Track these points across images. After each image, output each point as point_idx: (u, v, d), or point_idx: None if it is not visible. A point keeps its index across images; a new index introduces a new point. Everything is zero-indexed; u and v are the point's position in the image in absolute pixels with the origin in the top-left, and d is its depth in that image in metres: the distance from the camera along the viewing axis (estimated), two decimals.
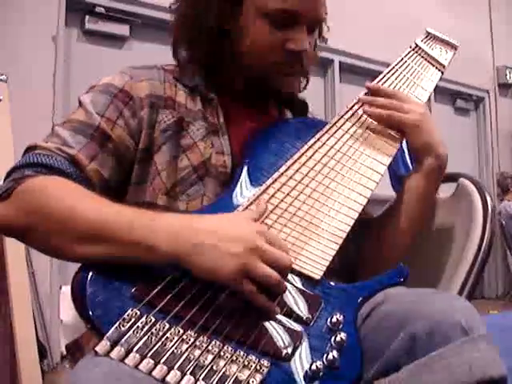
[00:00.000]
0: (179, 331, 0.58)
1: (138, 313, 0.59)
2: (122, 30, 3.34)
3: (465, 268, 0.86)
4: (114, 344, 0.55)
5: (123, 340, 0.56)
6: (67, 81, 3.09)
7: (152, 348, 0.56)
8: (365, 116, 0.89)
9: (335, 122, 0.88)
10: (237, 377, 0.56)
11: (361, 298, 0.71)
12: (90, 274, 0.62)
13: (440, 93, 4.89)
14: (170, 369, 0.55)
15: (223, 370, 0.56)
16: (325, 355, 0.62)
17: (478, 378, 0.58)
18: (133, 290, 0.61)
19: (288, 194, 0.78)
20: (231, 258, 0.62)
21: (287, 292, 0.67)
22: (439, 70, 0.97)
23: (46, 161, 0.73)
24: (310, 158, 0.83)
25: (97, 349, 0.55)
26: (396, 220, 0.88)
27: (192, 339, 0.58)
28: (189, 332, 0.59)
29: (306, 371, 0.61)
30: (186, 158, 0.83)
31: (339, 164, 0.84)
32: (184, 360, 0.56)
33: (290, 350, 0.62)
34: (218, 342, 0.59)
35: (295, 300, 0.68)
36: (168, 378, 0.54)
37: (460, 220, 0.95)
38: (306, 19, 0.83)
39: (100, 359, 0.55)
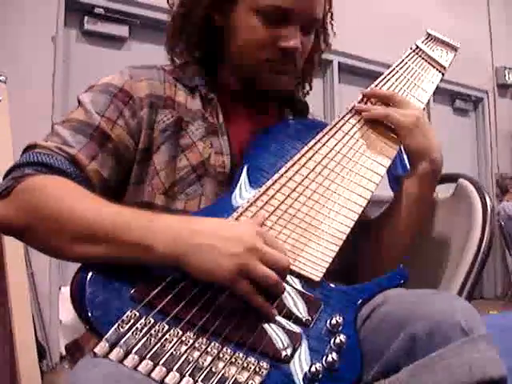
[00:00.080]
0: (178, 333, 0.58)
1: (138, 314, 0.58)
2: (121, 30, 3.33)
3: (464, 268, 0.86)
4: (112, 345, 0.55)
5: (122, 341, 0.55)
6: (66, 81, 3.09)
7: (151, 349, 0.56)
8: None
9: (335, 124, 0.88)
10: (236, 379, 0.56)
11: (360, 300, 0.71)
12: (90, 274, 0.62)
13: (439, 93, 4.89)
14: (169, 370, 0.54)
15: (222, 371, 0.56)
16: (324, 357, 0.62)
17: (478, 379, 0.58)
18: (132, 291, 0.61)
19: (288, 196, 0.78)
20: (230, 259, 0.62)
21: (287, 294, 0.67)
22: (440, 72, 0.96)
23: (46, 160, 0.73)
24: (310, 159, 0.83)
25: (96, 350, 0.55)
26: (394, 222, 0.88)
27: (191, 341, 0.58)
28: (188, 333, 0.58)
29: (306, 373, 0.60)
30: (185, 157, 0.83)
31: (339, 165, 0.84)
32: (183, 361, 0.56)
33: (289, 352, 0.62)
34: (217, 344, 0.59)
35: (295, 302, 0.68)
36: (167, 380, 0.54)
37: (459, 220, 0.95)
38: (299, 17, 0.83)
39: (99, 360, 0.55)
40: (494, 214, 0.91)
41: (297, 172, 0.81)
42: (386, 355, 0.64)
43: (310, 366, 0.60)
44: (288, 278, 0.69)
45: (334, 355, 0.62)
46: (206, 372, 0.56)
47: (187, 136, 0.84)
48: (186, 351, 0.57)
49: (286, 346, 0.62)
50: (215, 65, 0.92)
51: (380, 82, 0.93)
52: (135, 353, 0.55)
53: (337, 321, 0.66)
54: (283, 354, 0.61)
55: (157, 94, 0.84)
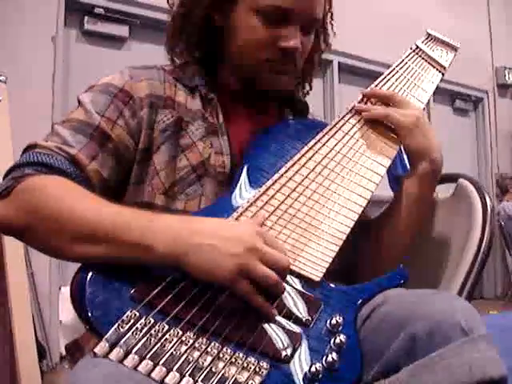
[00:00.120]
0: (178, 333, 0.58)
1: (138, 314, 0.58)
2: (121, 30, 3.34)
3: (464, 268, 0.86)
4: (112, 345, 0.55)
5: (122, 341, 0.55)
6: (66, 81, 3.09)
7: (151, 349, 0.56)
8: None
9: (335, 124, 0.87)
10: (236, 379, 0.56)
11: (360, 300, 0.71)
12: (90, 274, 0.62)
13: (439, 93, 4.89)
14: (169, 370, 0.54)
15: (222, 371, 0.56)
16: (324, 357, 0.62)
17: (478, 379, 0.58)
18: (132, 291, 0.61)
19: (288, 196, 0.78)
20: (230, 259, 0.62)
21: (287, 294, 0.67)
22: (440, 72, 0.96)
23: (46, 160, 0.73)
24: (310, 159, 0.83)
25: (96, 350, 0.55)
26: (394, 222, 0.88)
27: (191, 341, 0.58)
28: (188, 333, 0.58)
29: (306, 373, 0.60)
30: (185, 157, 0.83)
31: (339, 166, 0.84)
32: (183, 361, 0.56)
33: (289, 352, 0.62)
34: (217, 344, 0.59)
35: (295, 302, 0.68)
36: (167, 380, 0.54)
37: (459, 220, 0.95)
38: (299, 17, 0.82)
39: (99, 360, 0.55)
40: (493, 214, 0.91)
41: (297, 172, 0.81)
42: (386, 355, 0.64)
43: (310, 366, 0.60)
44: (288, 277, 0.69)
45: (334, 355, 0.62)
46: (206, 372, 0.56)
47: (187, 136, 0.84)
48: (186, 351, 0.57)
49: (285, 346, 0.62)
50: (215, 65, 0.92)
51: (380, 82, 0.93)
52: (135, 353, 0.55)
53: (337, 321, 0.66)
54: (283, 354, 0.61)
55: (157, 94, 0.84)
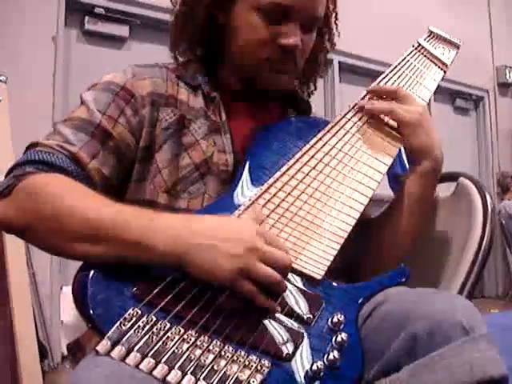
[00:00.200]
0: (180, 331, 0.58)
1: (139, 312, 0.59)
2: (122, 30, 3.34)
3: (465, 268, 0.86)
4: (114, 343, 0.55)
5: (124, 339, 0.56)
6: (67, 81, 3.09)
7: (153, 347, 0.56)
8: (367, 115, 0.89)
9: (337, 122, 0.87)
10: (237, 377, 0.56)
11: (362, 299, 0.71)
12: (91, 273, 0.62)
13: (440, 92, 4.89)
14: (171, 368, 0.55)
15: (224, 369, 0.56)
16: (326, 355, 0.62)
17: (478, 378, 0.58)
18: (134, 290, 0.61)
19: (289, 194, 0.78)
20: (231, 259, 0.62)
21: (288, 292, 0.67)
22: (442, 70, 0.96)
23: (47, 158, 0.73)
24: (312, 157, 0.83)
25: (98, 348, 0.55)
26: (395, 221, 0.88)
27: (193, 339, 0.58)
28: (190, 332, 0.59)
29: (307, 371, 0.61)
30: (188, 156, 0.83)
31: (341, 163, 0.84)
32: (185, 360, 0.56)
33: (290, 350, 0.62)
34: (218, 342, 0.59)
35: (296, 300, 0.68)
36: (169, 378, 0.54)
37: (460, 220, 0.95)
38: (299, 15, 0.82)
39: (101, 359, 0.55)
40: (494, 213, 0.91)
41: (299, 170, 0.81)
42: (386, 354, 0.64)
43: (312, 364, 0.60)
44: (289, 276, 0.69)
45: (336, 353, 0.62)
46: (207, 370, 0.56)
47: (190, 134, 0.84)
48: (187, 349, 0.57)
49: (287, 344, 0.62)
50: (216, 64, 0.92)
51: (382, 79, 0.93)
52: (137, 351, 0.55)
53: (338, 319, 0.66)
54: (285, 352, 0.61)
55: (159, 92, 0.84)
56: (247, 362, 0.58)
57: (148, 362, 0.54)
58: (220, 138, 0.85)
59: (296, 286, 0.70)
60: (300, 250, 0.73)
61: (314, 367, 0.60)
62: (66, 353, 0.78)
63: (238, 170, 0.83)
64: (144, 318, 0.58)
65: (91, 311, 0.58)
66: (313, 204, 0.79)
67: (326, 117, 1.06)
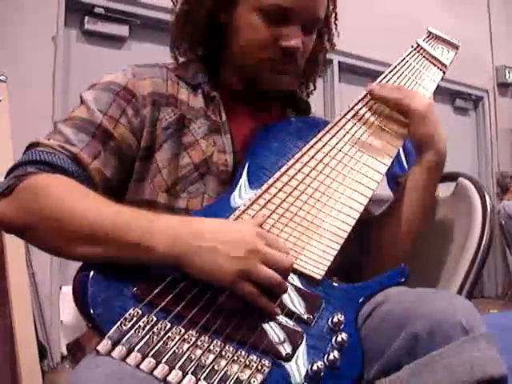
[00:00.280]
0: (181, 331, 0.58)
1: (140, 312, 0.59)
2: (121, 30, 3.33)
3: (464, 267, 0.86)
4: (115, 343, 0.55)
5: (125, 339, 0.56)
6: (66, 81, 3.09)
7: (153, 347, 0.56)
8: (366, 116, 0.89)
9: (337, 122, 0.88)
10: (238, 376, 0.56)
11: (362, 299, 0.71)
12: (92, 273, 0.62)
13: (439, 92, 4.84)
14: (172, 368, 0.55)
15: (224, 369, 0.57)
16: (326, 355, 0.62)
17: (478, 378, 0.58)
18: (134, 289, 0.61)
19: (289, 194, 0.79)
20: (231, 261, 0.62)
21: (288, 292, 0.67)
22: (441, 70, 0.96)
23: (48, 158, 0.73)
24: (312, 157, 0.83)
25: (98, 348, 0.55)
26: (396, 218, 0.88)
27: (193, 339, 0.58)
28: (190, 332, 0.59)
29: (307, 371, 0.61)
30: (188, 155, 0.83)
31: (341, 164, 0.84)
32: (185, 359, 0.56)
33: (291, 350, 0.62)
34: (219, 342, 0.59)
35: (296, 300, 0.68)
36: (169, 378, 0.54)
37: (459, 219, 0.95)
38: (300, 16, 0.82)
39: (101, 359, 0.55)
40: (493, 213, 0.91)
41: (298, 170, 0.81)
42: (386, 354, 0.64)
43: (312, 364, 0.60)
44: (290, 276, 0.69)
45: (336, 353, 0.62)
46: (208, 370, 0.56)
47: (190, 134, 0.84)
48: (188, 349, 0.57)
49: (287, 344, 0.62)
50: (217, 64, 0.92)
51: (381, 80, 0.93)
52: (138, 351, 0.55)
53: (338, 319, 0.66)
54: (285, 352, 0.62)
55: (159, 92, 0.84)
56: (248, 362, 0.58)
57: (149, 362, 0.54)
58: (220, 137, 0.85)
59: (296, 286, 0.70)
60: (300, 250, 0.74)
61: (314, 367, 0.60)
62: (65, 353, 0.79)
63: (237, 170, 0.83)
64: (144, 318, 0.58)
65: (92, 311, 0.58)
66: (313, 204, 0.79)
67: (325, 117, 1.06)
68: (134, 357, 0.55)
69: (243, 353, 0.59)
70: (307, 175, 0.81)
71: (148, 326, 0.58)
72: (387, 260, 0.85)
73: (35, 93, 2.88)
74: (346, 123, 0.88)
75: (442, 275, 0.92)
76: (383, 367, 0.64)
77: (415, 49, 0.97)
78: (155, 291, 0.61)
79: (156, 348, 0.56)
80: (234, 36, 0.86)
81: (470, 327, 0.61)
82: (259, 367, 0.58)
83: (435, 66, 0.96)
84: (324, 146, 0.85)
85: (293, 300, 0.68)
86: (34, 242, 0.71)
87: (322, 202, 0.79)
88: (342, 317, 0.67)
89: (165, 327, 0.58)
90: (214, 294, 0.64)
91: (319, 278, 0.72)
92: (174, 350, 0.56)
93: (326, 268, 0.73)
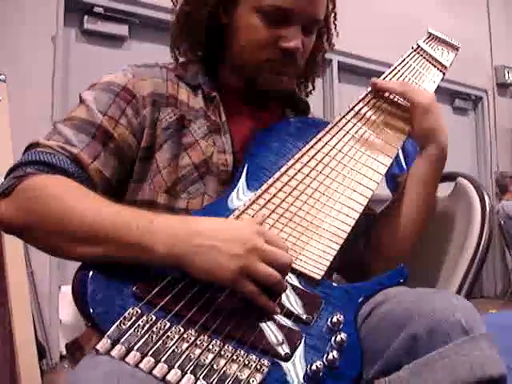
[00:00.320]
0: (180, 330, 0.58)
1: (139, 311, 0.59)
2: (121, 30, 3.33)
3: (463, 267, 0.87)
4: (114, 342, 0.55)
5: (124, 338, 0.56)
6: (66, 81, 3.09)
7: (153, 346, 0.56)
8: (366, 116, 0.89)
9: (337, 122, 0.88)
10: (237, 376, 0.56)
11: (361, 299, 0.71)
12: (91, 272, 0.62)
13: (438, 92, 4.80)
14: (171, 368, 0.55)
15: (223, 369, 0.57)
16: (325, 355, 0.62)
17: (478, 377, 0.58)
18: (134, 289, 0.61)
19: (289, 194, 0.79)
20: (231, 260, 0.62)
21: (288, 292, 0.67)
22: (441, 71, 0.97)
23: (48, 159, 0.73)
24: (312, 158, 0.83)
25: (98, 347, 0.55)
26: (400, 210, 0.88)
27: (192, 338, 0.58)
28: (189, 331, 0.59)
29: (306, 371, 0.61)
30: (188, 156, 0.83)
31: (340, 164, 0.84)
32: (184, 359, 0.56)
33: (290, 350, 0.62)
34: (218, 341, 0.59)
35: (295, 300, 0.68)
36: (168, 377, 0.54)
37: (458, 219, 0.95)
38: (300, 17, 0.83)
39: (101, 359, 0.55)
40: (492, 213, 0.91)
41: (298, 170, 0.81)
42: (386, 354, 0.64)
43: (311, 364, 0.60)
44: (289, 276, 0.69)
45: (335, 353, 0.62)
46: (207, 369, 0.56)
47: (190, 134, 0.84)
48: (187, 348, 0.57)
49: (286, 344, 0.62)
50: (216, 64, 0.92)
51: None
52: (137, 350, 0.55)
53: (337, 319, 0.66)
54: (284, 352, 0.62)
55: (159, 92, 0.84)
56: (247, 362, 0.58)
57: (148, 361, 0.54)
58: (220, 138, 0.85)
59: (296, 287, 0.70)
60: (299, 250, 0.74)
61: (314, 367, 0.60)
62: (64, 352, 0.79)
63: (237, 170, 0.83)
64: (144, 317, 0.58)
65: (91, 310, 0.59)
66: (312, 204, 0.79)
67: (325, 117, 1.06)
68: (133, 356, 0.55)
69: (242, 352, 0.59)
70: (307, 175, 0.81)
71: (147, 326, 0.58)
72: (387, 258, 0.85)
73: (35, 92, 2.88)
74: (345, 124, 0.88)
75: (441, 275, 0.92)
76: (383, 367, 0.64)
77: (415, 50, 0.97)
78: (155, 290, 0.61)
79: (155, 347, 0.56)
80: (233, 36, 0.86)
81: (470, 327, 0.61)
82: (258, 367, 0.58)
83: (435, 67, 0.96)
84: (324, 146, 0.85)
85: (292, 300, 0.68)
86: (33, 242, 0.71)
87: (321, 202, 0.79)
88: (342, 317, 0.67)
89: (164, 326, 0.58)
90: (214, 294, 0.64)
91: (319, 278, 0.72)
92: (173, 350, 0.56)
93: (325, 268, 0.73)
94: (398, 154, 0.90)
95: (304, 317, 0.66)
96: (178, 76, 0.88)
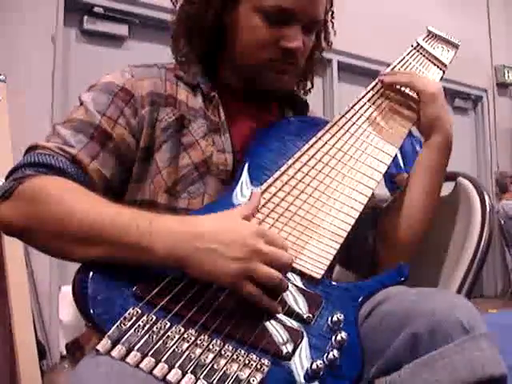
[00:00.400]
0: (180, 330, 0.58)
1: (139, 311, 0.59)
2: (121, 29, 3.34)
3: (463, 267, 0.87)
4: (115, 342, 0.55)
5: (124, 338, 0.56)
6: (66, 81, 3.09)
7: (153, 347, 0.56)
8: (366, 115, 0.89)
9: (337, 121, 0.88)
10: (237, 375, 0.56)
11: (361, 298, 0.71)
12: (91, 272, 0.62)
13: None
14: (171, 367, 0.55)
15: (224, 368, 0.56)
16: (325, 354, 0.62)
17: (478, 377, 0.58)
18: (134, 289, 0.61)
19: (289, 193, 0.79)
20: (232, 262, 0.62)
21: (288, 291, 0.67)
22: (440, 69, 0.97)
23: (46, 160, 0.73)
24: (312, 156, 0.83)
25: (98, 347, 0.55)
26: (411, 195, 0.88)
27: (193, 338, 0.58)
28: (190, 331, 0.59)
29: (307, 370, 0.61)
30: (187, 155, 0.83)
31: (340, 163, 0.84)
32: (185, 359, 0.56)
33: (290, 349, 0.62)
34: (218, 341, 0.59)
35: (296, 299, 0.68)
36: (169, 377, 0.54)
37: (458, 219, 0.95)
38: (301, 17, 0.83)
39: (101, 359, 0.55)
40: (492, 213, 0.91)
41: (298, 170, 0.81)
42: (386, 353, 0.64)
43: (311, 363, 0.60)
44: (289, 275, 0.69)
45: (335, 352, 0.62)
46: (207, 369, 0.56)
47: (189, 134, 0.84)
48: (187, 348, 0.57)
49: (287, 343, 0.62)
50: (216, 64, 0.92)
51: None
52: (137, 350, 0.55)
53: (338, 318, 0.66)
54: (284, 351, 0.62)
55: (158, 92, 0.84)
56: (247, 361, 0.58)
57: (148, 361, 0.54)
58: (219, 137, 0.85)
59: (296, 286, 0.70)
60: (300, 250, 0.74)
61: (314, 366, 0.60)
62: (64, 352, 0.79)
63: (237, 169, 0.83)
64: (144, 318, 0.58)
65: (91, 310, 0.58)
66: (312, 203, 0.79)
67: (324, 116, 1.06)
68: (134, 356, 0.55)
69: (243, 352, 0.59)
70: (307, 174, 0.81)
71: (147, 326, 0.58)
72: (398, 249, 0.87)
73: (34, 92, 2.88)
74: (345, 122, 0.88)
75: (441, 275, 0.92)
76: (383, 366, 0.65)
77: (415, 48, 0.97)
78: (155, 290, 0.61)
79: (155, 347, 0.56)
80: (234, 37, 0.86)
81: (471, 327, 0.61)
82: (259, 366, 0.58)
83: (435, 65, 0.96)
84: (324, 145, 0.85)
85: (292, 299, 0.68)
86: (34, 244, 0.71)
87: (321, 201, 0.79)
88: (342, 316, 0.66)
89: (164, 326, 0.58)
90: (214, 294, 0.64)
91: (319, 277, 0.72)
92: (174, 349, 0.56)
93: (325, 267, 0.73)
94: (395, 154, 0.90)
95: (304, 316, 0.66)
96: (177, 76, 0.88)
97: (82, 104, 0.81)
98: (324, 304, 0.69)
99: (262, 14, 0.82)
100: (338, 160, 0.84)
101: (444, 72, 0.96)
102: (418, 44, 0.97)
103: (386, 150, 0.87)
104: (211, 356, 0.57)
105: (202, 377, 0.55)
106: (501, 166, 5.47)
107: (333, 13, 0.95)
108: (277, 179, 0.79)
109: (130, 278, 0.62)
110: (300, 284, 0.70)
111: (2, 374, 1.89)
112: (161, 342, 0.56)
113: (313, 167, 0.82)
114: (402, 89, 0.91)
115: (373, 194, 0.84)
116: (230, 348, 0.59)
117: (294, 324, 0.65)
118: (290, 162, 0.82)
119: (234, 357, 0.58)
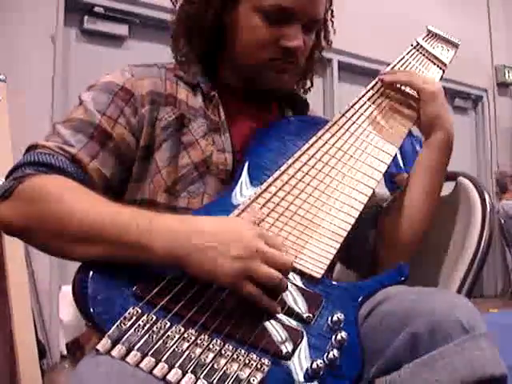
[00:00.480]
0: (180, 330, 0.58)
1: (140, 311, 0.59)
2: (121, 29, 3.34)
3: (463, 267, 0.87)
4: (115, 342, 0.55)
5: (124, 338, 0.56)
6: (66, 81, 3.09)
7: (153, 346, 0.56)
8: (366, 114, 0.89)
9: (337, 121, 0.88)
10: (238, 375, 0.56)
11: (361, 298, 0.71)
12: (91, 272, 0.62)
13: None
14: (171, 367, 0.55)
15: (224, 368, 0.56)
16: (325, 354, 0.62)
17: (478, 377, 0.58)
18: (134, 289, 0.61)
19: (289, 193, 0.79)
20: (231, 261, 0.62)
21: (288, 291, 0.67)
22: (440, 69, 0.96)
23: (46, 160, 0.73)
24: (312, 156, 0.83)
25: (98, 347, 0.55)
26: (412, 194, 0.88)
27: (193, 338, 0.58)
28: (190, 330, 0.59)
29: (307, 370, 0.61)
30: (187, 155, 0.83)
31: (340, 162, 0.84)
32: (185, 358, 0.56)
33: (290, 349, 0.62)
34: (218, 341, 0.59)
35: (296, 299, 0.68)
36: (169, 377, 0.54)
37: (459, 219, 0.95)
38: (301, 17, 0.83)
39: (101, 359, 0.55)
40: (493, 213, 0.91)
41: (298, 169, 0.81)
42: (386, 353, 0.64)
43: (311, 363, 0.60)
44: (289, 275, 0.69)
45: (335, 352, 0.62)
46: (207, 369, 0.56)
47: (189, 133, 0.84)
48: (187, 348, 0.57)
49: (287, 342, 0.62)
50: (216, 63, 0.92)
51: None
52: (137, 350, 0.55)
53: (338, 318, 0.66)
54: (284, 350, 0.61)
55: (158, 92, 0.84)
56: (247, 361, 0.58)
57: (148, 361, 0.54)
58: (219, 137, 0.85)
59: (296, 285, 0.70)
60: (300, 249, 0.74)
61: (314, 366, 0.60)
62: (65, 352, 0.79)
63: (237, 169, 0.83)
64: (144, 317, 0.58)
65: (91, 310, 0.58)
66: (312, 203, 0.79)
67: (325, 115, 1.06)
68: (134, 356, 0.55)
69: (243, 351, 0.59)
70: (307, 173, 0.81)
71: (148, 325, 0.57)
72: (398, 249, 0.87)
73: (34, 92, 2.88)
74: (345, 121, 0.88)
75: (441, 274, 0.92)
76: (383, 366, 0.64)
77: (415, 47, 0.97)
78: (155, 290, 0.61)
79: (155, 347, 0.56)
80: (234, 36, 0.86)
81: (471, 326, 0.61)
82: (259, 366, 0.58)
83: (435, 64, 0.96)
84: (324, 144, 0.85)
85: (292, 299, 0.68)
86: (34, 243, 0.71)
87: (321, 201, 0.79)
88: (342, 315, 0.66)
89: (164, 326, 0.58)
90: (214, 293, 0.64)
91: (319, 276, 0.72)
92: (174, 349, 0.56)
93: (325, 267, 0.73)
94: (395, 154, 0.90)
95: (305, 316, 0.66)
96: (177, 75, 0.88)
97: (81, 103, 0.81)
98: (324, 304, 0.69)
99: (262, 14, 0.82)
100: (338, 159, 0.84)
101: (444, 71, 0.96)
102: (418, 43, 0.97)
103: (386, 150, 0.87)
104: (211, 356, 0.57)
105: (202, 376, 0.55)
106: (501, 165, 5.47)
107: (332, 12, 0.95)
108: (277, 179, 0.79)
109: (130, 277, 0.62)
110: (300, 283, 0.70)
111: (2, 373, 1.89)
112: (161, 341, 0.56)
113: (313, 166, 0.82)
114: (402, 88, 0.91)
115: (373, 192, 0.84)
116: (230, 348, 0.59)
117: (294, 324, 0.65)
118: (290, 161, 0.82)
119: (234, 356, 0.58)
